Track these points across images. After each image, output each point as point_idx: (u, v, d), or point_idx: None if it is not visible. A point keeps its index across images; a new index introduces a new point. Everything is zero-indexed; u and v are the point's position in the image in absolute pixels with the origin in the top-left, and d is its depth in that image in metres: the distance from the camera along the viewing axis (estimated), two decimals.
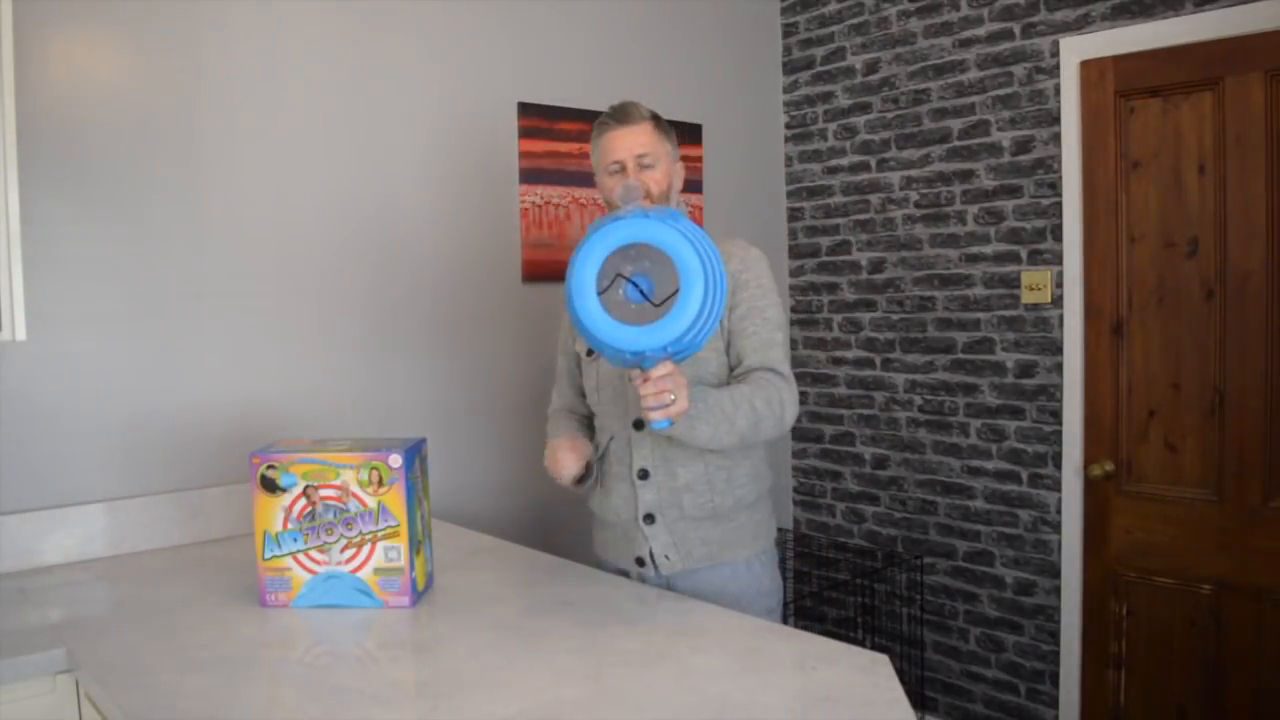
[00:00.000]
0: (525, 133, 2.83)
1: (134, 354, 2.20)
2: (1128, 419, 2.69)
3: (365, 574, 1.72)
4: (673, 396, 1.54)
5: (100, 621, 1.71)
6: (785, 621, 2.10)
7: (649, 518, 1.88)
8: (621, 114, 1.89)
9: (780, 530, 3.55)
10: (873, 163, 3.27)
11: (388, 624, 1.65)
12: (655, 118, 1.91)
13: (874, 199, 3.27)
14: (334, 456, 1.70)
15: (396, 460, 1.69)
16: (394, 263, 2.59)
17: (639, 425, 1.86)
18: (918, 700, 3.16)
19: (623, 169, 1.87)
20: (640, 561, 1.91)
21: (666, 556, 1.88)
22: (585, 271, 1.51)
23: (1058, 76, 2.76)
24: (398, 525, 1.70)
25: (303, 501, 1.71)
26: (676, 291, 1.48)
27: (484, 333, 2.75)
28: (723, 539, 1.89)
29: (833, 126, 3.38)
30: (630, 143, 1.87)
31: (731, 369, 1.86)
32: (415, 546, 1.74)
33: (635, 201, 1.57)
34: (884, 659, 1.44)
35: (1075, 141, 2.73)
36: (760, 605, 1.91)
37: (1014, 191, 2.90)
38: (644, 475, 1.87)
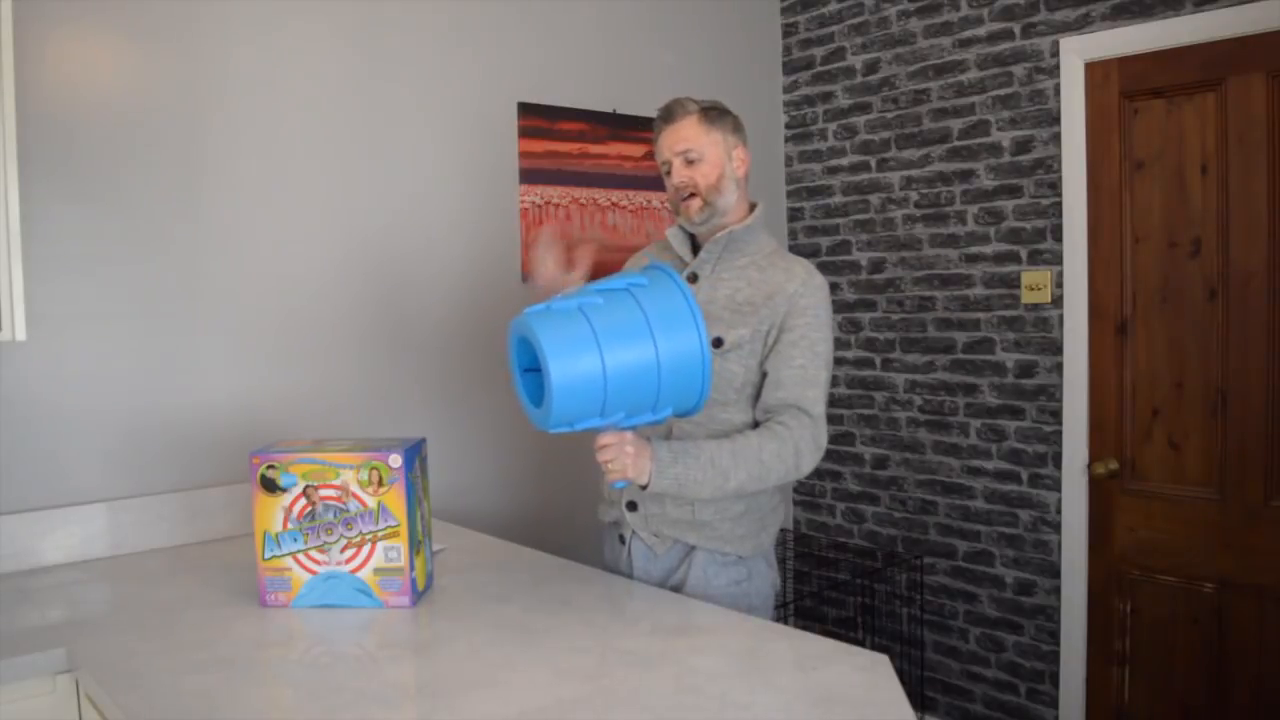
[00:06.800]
0: (525, 133, 2.83)
1: (134, 354, 2.20)
2: (1132, 418, 2.69)
3: (365, 574, 1.72)
4: (612, 465, 1.63)
5: (100, 621, 1.70)
6: (785, 621, 2.10)
7: (631, 505, 1.91)
8: (665, 112, 1.86)
9: (780, 530, 3.54)
10: (873, 163, 3.27)
11: (388, 624, 1.65)
12: (705, 110, 1.85)
13: (874, 199, 3.27)
14: (334, 456, 1.70)
15: (396, 460, 1.69)
16: (394, 262, 2.59)
17: None
18: (918, 700, 3.15)
19: (670, 170, 1.85)
20: (622, 539, 1.96)
21: (647, 539, 1.91)
22: (510, 357, 1.69)
23: (1058, 76, 2.76)
24: (398, 525, 1.70)
25: (303, 501, 1.71)
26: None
27: (484, 332, 2.75)
28: (698, 540, 1.87)
29: (833, 126, 3.38)
30: (672, 140, 1.84)
31: (760, 387, 1.81)
32: (415, 546, 1.73)
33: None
34: (884, 659, 1.44)
35: (1080, 143, 2.72)
36: (726, 589, 1.89)
37: (1014, 191, 2.90)
38: None
